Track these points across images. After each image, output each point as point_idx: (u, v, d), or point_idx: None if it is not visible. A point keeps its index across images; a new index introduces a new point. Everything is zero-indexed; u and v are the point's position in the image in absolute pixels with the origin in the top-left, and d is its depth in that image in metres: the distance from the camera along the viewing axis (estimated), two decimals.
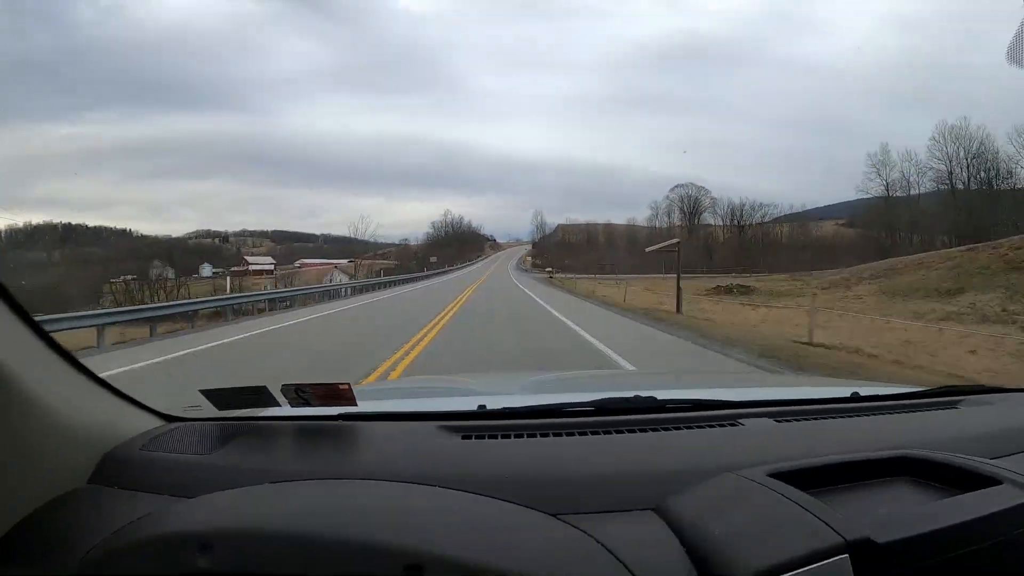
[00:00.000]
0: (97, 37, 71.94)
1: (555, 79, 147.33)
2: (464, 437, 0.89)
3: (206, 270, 44.38)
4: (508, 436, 0.90)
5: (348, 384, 0.90)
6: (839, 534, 0.58)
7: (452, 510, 0.66)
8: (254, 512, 0.65)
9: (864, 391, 1.23)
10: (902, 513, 0.66)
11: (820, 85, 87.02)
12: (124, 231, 41.96)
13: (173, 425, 0.97)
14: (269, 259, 51.04)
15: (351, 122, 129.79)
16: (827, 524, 0.59)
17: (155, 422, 0.97)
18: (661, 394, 1.12)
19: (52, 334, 0.82)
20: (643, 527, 0.67)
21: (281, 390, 0.91)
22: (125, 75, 76.60)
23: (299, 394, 0.90)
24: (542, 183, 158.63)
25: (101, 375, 0.90)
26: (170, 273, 40.88)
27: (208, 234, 52.77)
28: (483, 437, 0.90)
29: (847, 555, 0.57)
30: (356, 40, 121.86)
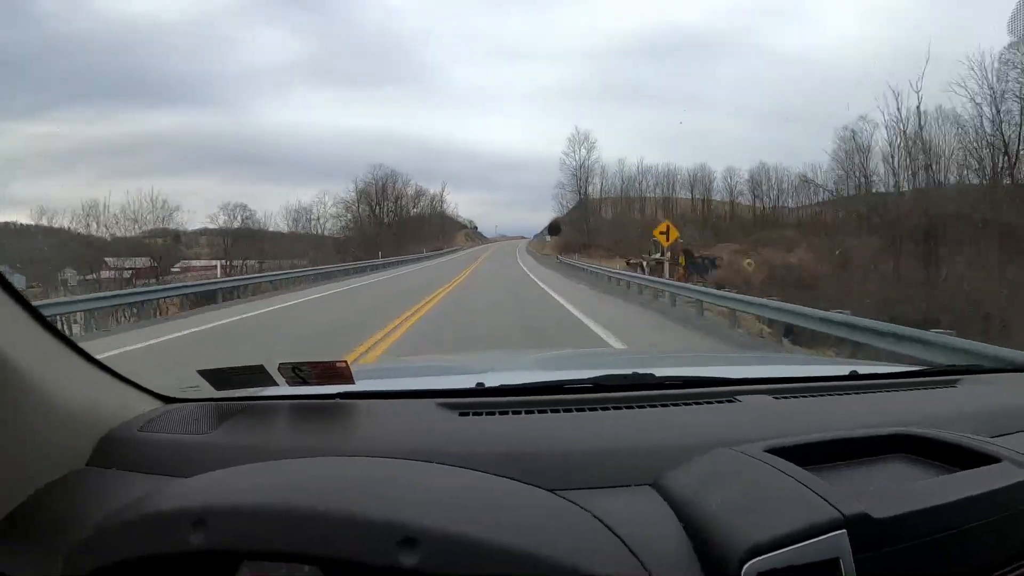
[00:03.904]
0: (63, 33, 65.70)
1: (537, 72, 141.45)
2: (462, 414, 0.89)
3: (69, 276, 31.17)
4: (506, 413, 0.90)
5: (346, 362, 0.89)
6: (836, 509, 0.58)
7: (448, 485, 0.66)
8: (248, 489, 0.65)
9: (862, 370, 1.24)
10: (900, 489, 0.66)
11: (807, 76, 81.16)
12: (61, 229, 34.10)
13: (171, 406, 0.97)
14: (146, 260, 38.07)
15: (327, 117, 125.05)
16: (824, 499, 0.59)
17: (153, 403, 0.97)
18: (659, 371, 1.12)
19: None
20: (640, 502, 0.67)
21: (279, 368, 0.90)
22: (96, 71, 73.48)
23: (296, 372, 0.90)
24: (526, 180, 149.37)
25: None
26: (20, 281, 27.22)
27: (163, 233, 42.30)
28: (481, 414, 0.90)
29: (844, 530, 0.56)
30: (330, 31, 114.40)
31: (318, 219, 52.29)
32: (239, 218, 43.60)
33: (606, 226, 47.86)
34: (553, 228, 57.86)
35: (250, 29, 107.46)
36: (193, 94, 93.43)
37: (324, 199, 53.75)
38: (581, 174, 52.84)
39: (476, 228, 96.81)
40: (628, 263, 28.44)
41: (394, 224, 58.82)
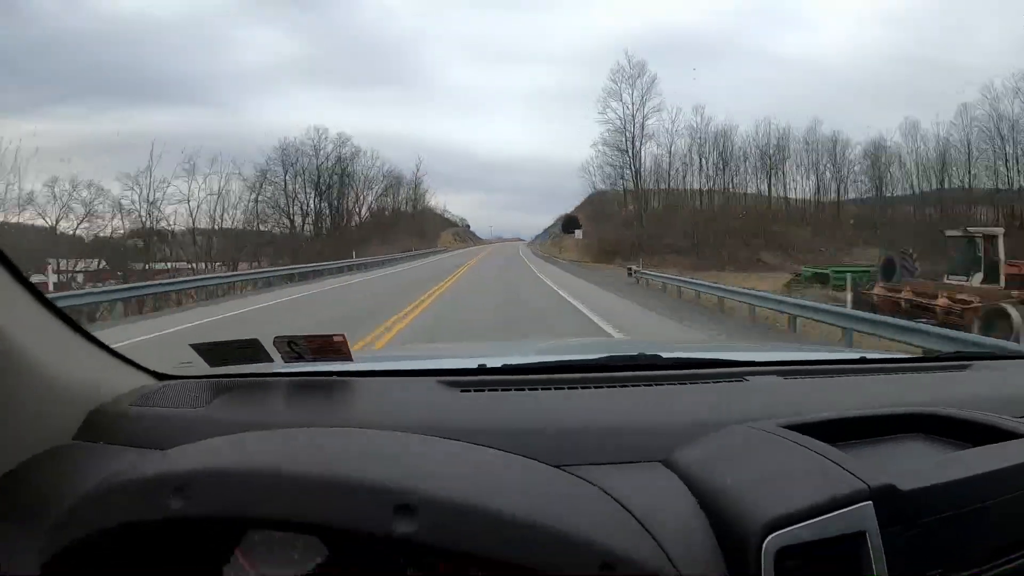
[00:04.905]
0: (61, 30, 63.19)
1: (535, 73, 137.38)
2: (464, 391, 0.87)
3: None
4: (509, 390, 0.88)
5: (343, 336, 0.87)
6: (862, 481, 0.56)
7: (448, 456, 0.63)
8: (233, 455, 0.62)
9: (872, 355, 1.22)
10: (925, 463, 0.64)
11: (805, 80, 77.88)
12: (42, 228, 28.34)
13: (163, 382, 0.95)
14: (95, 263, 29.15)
15: (326, 118, 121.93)
16: (848, 471, 0.57)
17: (145, 379, 0.95)
18: (666, 353, 1.11)
19: None
20: (651, 478, 0.65)
21: (274, 343, 0.89)
22: (92, 69, 69.57)
23: (292, 347, 0.88)
24: (523, 182, 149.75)
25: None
26: None
27: (151, 232, 35.81)
28: (483, 391, 0.88)
29: (870, 502, 0.55)
30: (328, 31, 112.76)
31: (184, 200, 33.53)
32: (79, 199, 27.71)
33: (674, 218, 30.33)
34: (570, 223, 43.66)
35: (247, 28, 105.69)
36: (190, 94, 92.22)
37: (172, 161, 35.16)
38: (632, 131, 30.96)
39: (469, 227, 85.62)
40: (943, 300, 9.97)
41: (338, 216, 41.07)
